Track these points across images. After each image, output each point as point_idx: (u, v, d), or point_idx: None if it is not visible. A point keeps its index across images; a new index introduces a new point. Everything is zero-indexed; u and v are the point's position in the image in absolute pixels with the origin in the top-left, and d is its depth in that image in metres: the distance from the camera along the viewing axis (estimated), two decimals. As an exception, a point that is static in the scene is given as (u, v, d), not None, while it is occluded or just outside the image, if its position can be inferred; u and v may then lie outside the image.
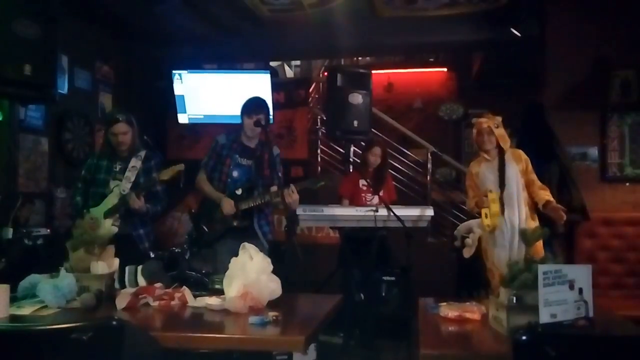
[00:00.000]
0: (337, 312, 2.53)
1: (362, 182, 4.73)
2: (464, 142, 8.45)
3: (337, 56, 8.01)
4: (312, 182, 3.87)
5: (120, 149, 3.79)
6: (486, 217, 2.63)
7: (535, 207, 2.91)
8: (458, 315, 2.28)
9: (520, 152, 2.79)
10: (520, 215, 2.85)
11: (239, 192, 3.76)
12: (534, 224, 2.65)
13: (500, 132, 2.73)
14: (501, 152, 2.74)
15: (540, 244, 2.49)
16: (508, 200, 2.83)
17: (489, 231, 2.59)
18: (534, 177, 2.75)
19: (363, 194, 4.71)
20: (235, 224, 3.72)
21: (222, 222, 3.75)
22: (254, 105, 3.83)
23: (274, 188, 3.70)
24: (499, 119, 2.76)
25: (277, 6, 5.34)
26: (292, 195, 3.56)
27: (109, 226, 3.57)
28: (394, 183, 5.29)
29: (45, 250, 4.05)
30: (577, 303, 1.95)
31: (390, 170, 5.39)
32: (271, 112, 5.96)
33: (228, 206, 3.71)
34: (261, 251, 3.50)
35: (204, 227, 3.78)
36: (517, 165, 2.74)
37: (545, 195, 2.70)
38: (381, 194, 4.54)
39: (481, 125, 2.73)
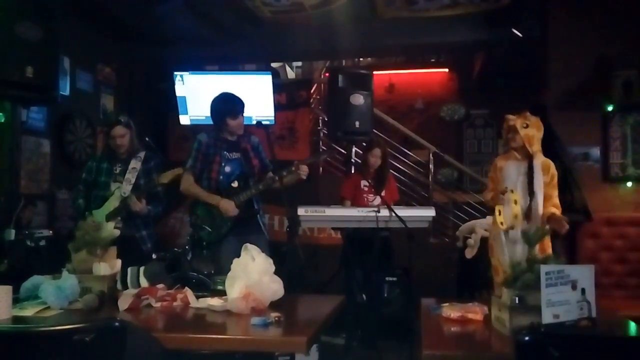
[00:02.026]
0: (339, 313, 2.53)
1: (363, 183, 4.72)
2: (465, 142, 8.45)
3: (338, 57, 8.02)
4: (316, 157, 3.92)
5: (119, 151, 3.81)
6: (499, 214, 2.59)
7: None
8: (460, 315, 2.28)
9: (551, 164, 2.71)
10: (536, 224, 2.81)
11: (235, 184, 3.78)
12: (547, 237, 2.62)
13: (528, 132, 2.65)
14: (530, 156, 2.68)
15: (548, 242, 2.48)
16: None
17: (504, 230, 2.55)
18: (553, 193, 2.70)
19: (365, 195, 4.70)
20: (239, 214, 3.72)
21: (223, 221, 3.73)
22: (238, 106, 3.83)
23: (270, 174, 3.75)
24: (533, 118, 2.68)
25: (278, 7, 5.35)
26: (303, 168, 3.65)
27: (110, 229, 3.58)
28: (397, 184, 5.29)
29: (47, 252, 4.06)
30: (579, 303, 1.95)
31: (392, 171, 5.39)
32: (273, 113, 6.03)
33: (229, 207, 3.70)
34: (265, 244, 3.59)
35: (207, 227, 3.76)
36: (544, 177, 2.68)
37: (551, 209, 2.66)
38: (383, 194, 4.54)
39: (508, 122, 2.68)
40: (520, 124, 2.64)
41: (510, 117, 2.69)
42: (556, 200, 2.69)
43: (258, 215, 3.86)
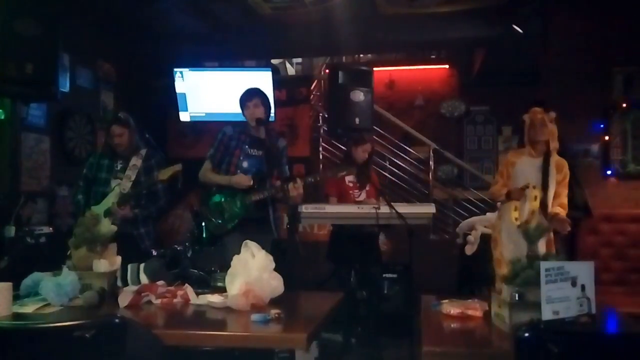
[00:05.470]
0: (339, 309, 2.53)
1: (348, 179, 4.66)
2: (465, 139, 8.43)
3: (338, 53, 8.00)
4: (334, 171, 3.92)
5: (118, 150, 3.81)
6: (515, 209, 2.57)
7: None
8: (460, 312, 2.28)
9: (565, 163, 2.71)
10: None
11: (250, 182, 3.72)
12: (551, 234, 2.62)
13: (553, 128, 2.64)
14: (547, 153, 2.66)
15: (551, 240, 2.47)
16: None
17: (518, 225, 2.53)
18: (563, 192, 2.69)
19: (350, 191, 4.67)
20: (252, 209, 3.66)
21: (232, 217, 3.71)
22: (246, 94, 3.79)
23: (278, 182, 3.69)
24: (554, 114, 2.67)
25: (278, 3, 5.34)
26: (297, 188, 3.55)
27: (108, 225, 3.58)
28: (393, 178, 5.28)
29: (47, 249, 4.06)
30: (579, 300, 1.95)
31: (392, 168, 5.38)
32: (273, 109, 6.02)
33: (243, 179, 3.64)
34: (270, 244, 3.56)
35: (215, 219, 3.72)
36: (557, 175, 2.67)
37: (557, 209, 2.65)
38: (367, 188, 4.52)
39: (535, 115, 2.65)
40: (548, 119, 2.63)
41: (537, 109, 2.67)
42: (564, 200, 2.68)
43: (272, 217, 3.77)
